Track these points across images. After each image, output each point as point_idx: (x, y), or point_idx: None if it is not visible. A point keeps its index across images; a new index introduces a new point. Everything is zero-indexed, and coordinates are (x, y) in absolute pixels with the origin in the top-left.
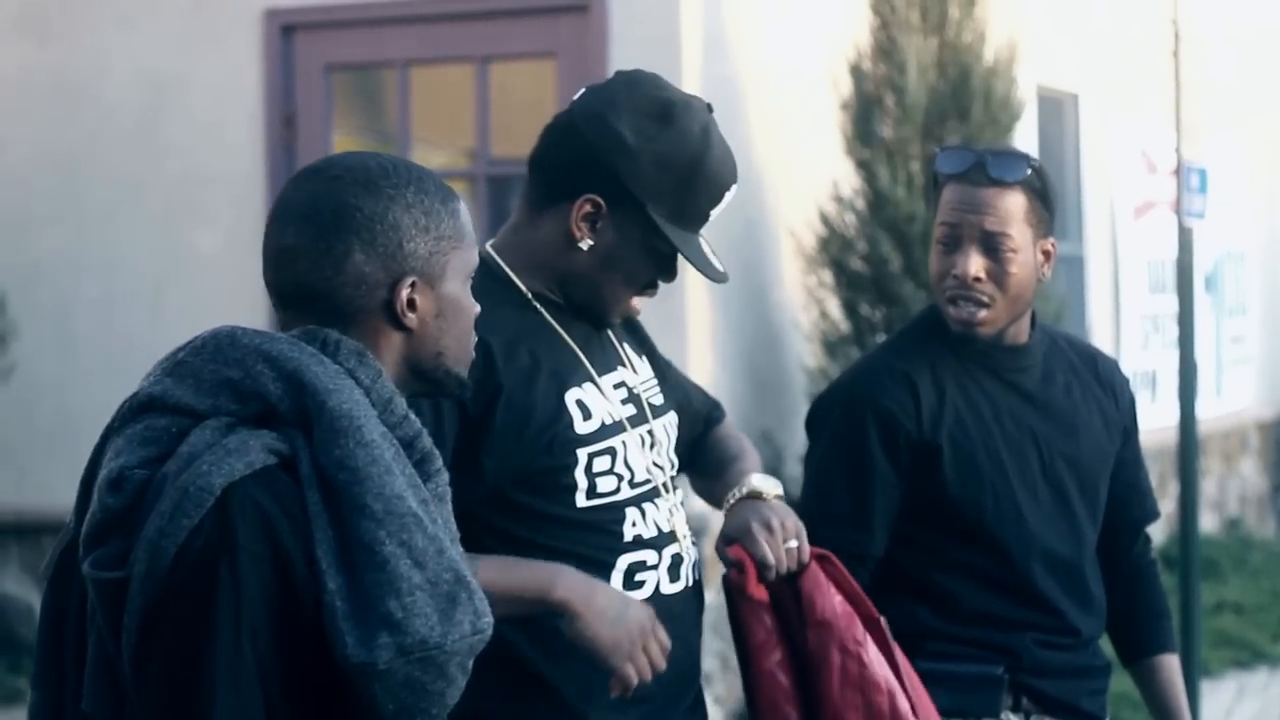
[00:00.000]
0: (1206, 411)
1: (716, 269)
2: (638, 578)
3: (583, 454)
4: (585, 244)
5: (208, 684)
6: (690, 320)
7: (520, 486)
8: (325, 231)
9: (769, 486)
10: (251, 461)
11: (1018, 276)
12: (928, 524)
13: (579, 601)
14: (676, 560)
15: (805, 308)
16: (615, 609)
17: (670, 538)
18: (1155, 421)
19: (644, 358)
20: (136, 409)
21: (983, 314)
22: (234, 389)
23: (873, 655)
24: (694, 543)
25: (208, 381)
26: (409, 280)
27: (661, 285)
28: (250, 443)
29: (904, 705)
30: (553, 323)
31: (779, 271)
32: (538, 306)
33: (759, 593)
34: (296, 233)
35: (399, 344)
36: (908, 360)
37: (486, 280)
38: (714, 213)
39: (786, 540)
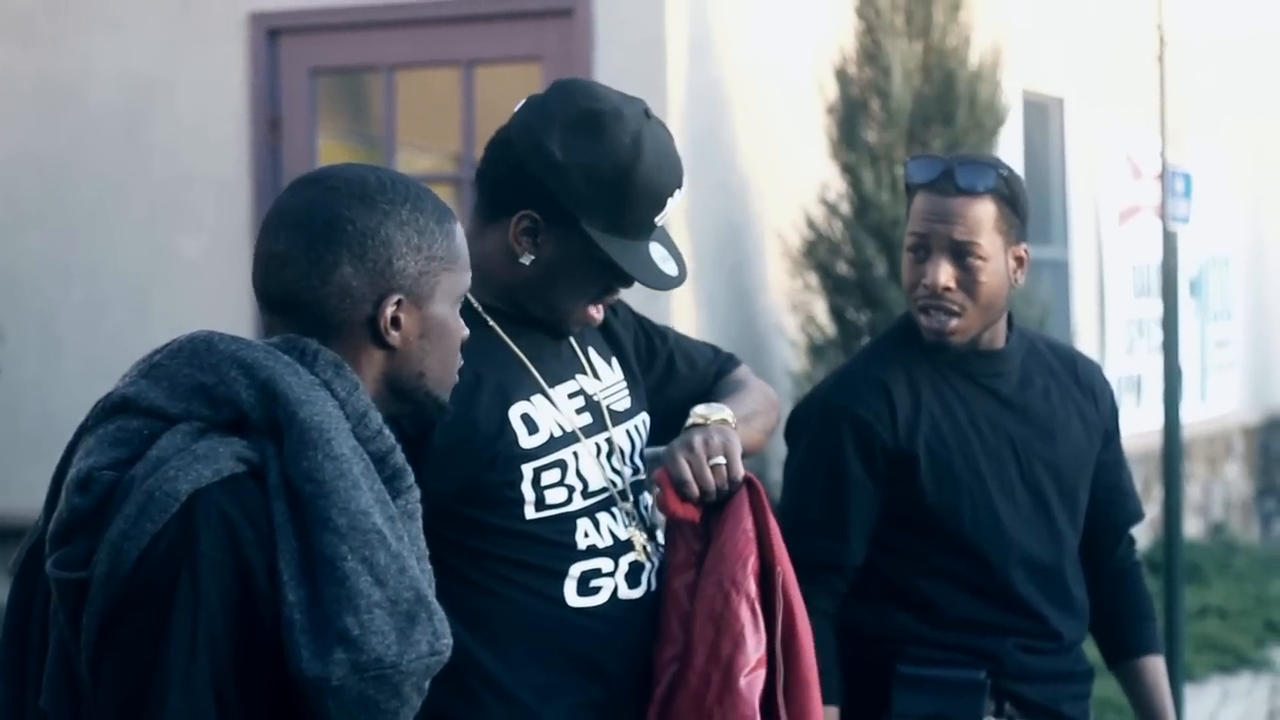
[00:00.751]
0: (1191, 416)
1: (665, 275)
2: (592, 584)
3: (528, 469)
4: (526, 258)
5: (160, 688)
6: (675, 324)
7: (465, 501)
8: (316, 241)
9: (711, 412)
10: (219, 469)
11: (988, 285)
12: (907, 531)
13: None
14: (636, 567)
15: (791, 312)
16: None
17: (627, 546)
18: (1140, 426)
19: (613, 360)
20: (110, 410)
21: (954, 323)
22: (207, 394)
23: (742, 600)
24: (660, 546)
25: (182, 386)
26: (395, 298)
27: (647, 289)
28: (219, 450)
29: (745, 659)
30: (503, 336)
31: (764, 275)
32: (487, 319)
33: (683, 511)
34: (288, 240)
35: (380, 361)
36: (883, 368)
37: None
38: (658, 219)
39: (712, 458)
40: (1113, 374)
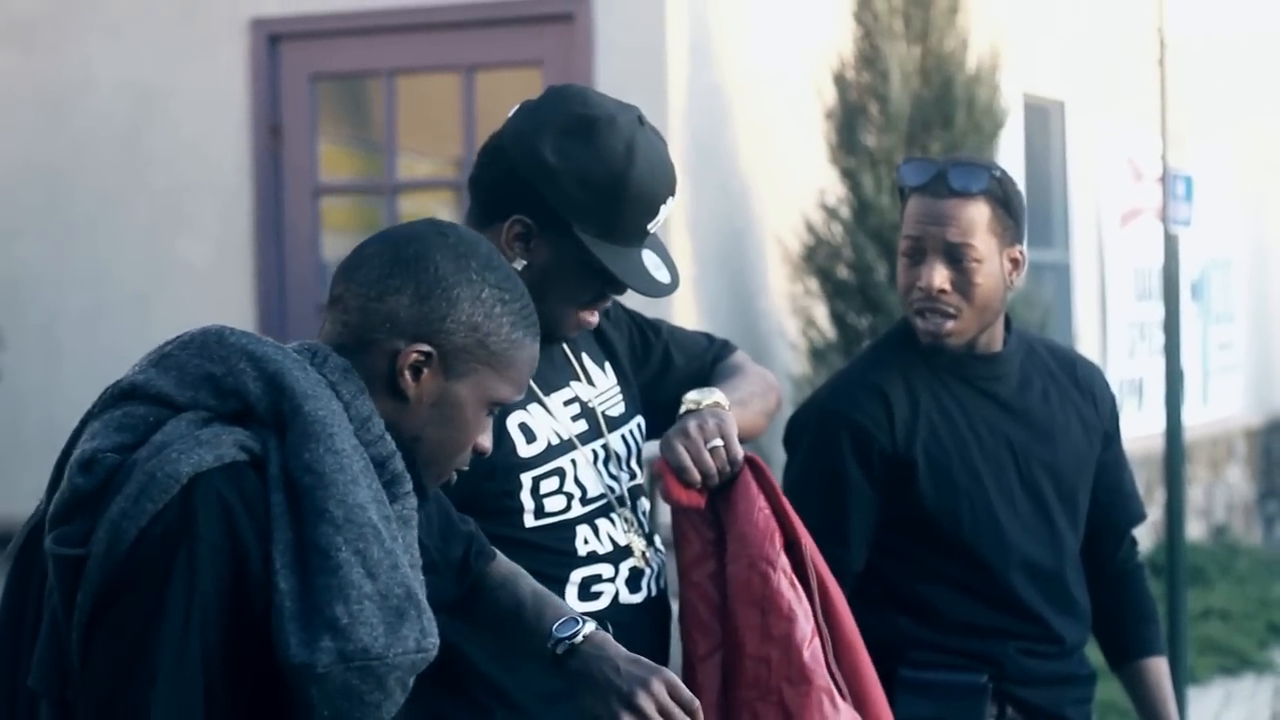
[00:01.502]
0: (1193, 419)
1: (657, 282)
2: (593, 589)
3: (526, 478)
4: (519, 264)
5: (150, 667)
6: None
7: (465, 510)
8: (397, 264)
9: (703, 397)
10: (221, 455)
11: (983, 287)
12: (906, 536)
13: None
14: (635, 573)
15: (792, 316)
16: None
17: (626, 552)
18: (1142, 429)
19: (605, 365)
20: (117, 396)
21: (950, 325)
22: (215, 384)
23: (781, 576)
24: (659, 550)
25: (190, 375)
26: (425, 347)
27: (649, 298)
28: (223, 437)
29: (802, 632)
30: None
31: (765, 280)
32: None
33: (687, 498)
34: (379, 252)
35: (386, 403)
36: (881, 373)
37: None
38: (651, 226)
39: (708, 441)
40: (1114, 377)
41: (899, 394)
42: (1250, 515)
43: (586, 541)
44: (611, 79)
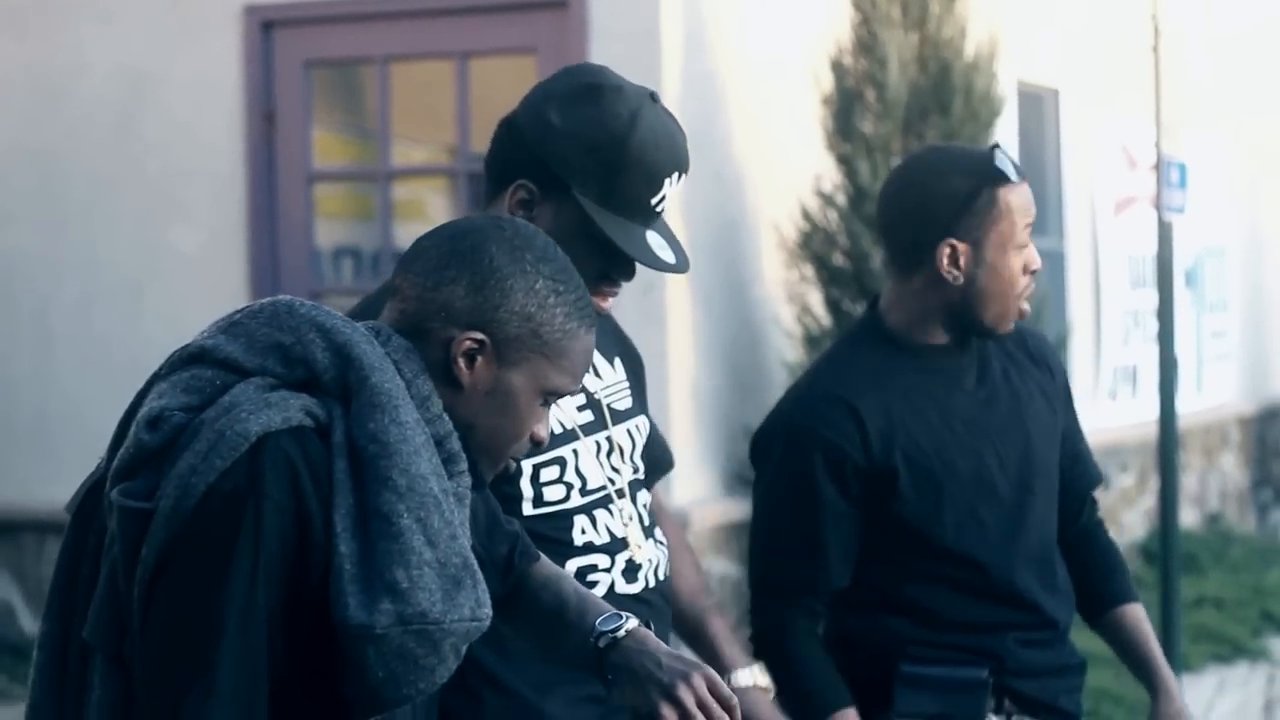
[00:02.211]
0: (1187, 406)
1: (661, 259)
2: (589, 579)
3: (527, 465)
4: None
5: (216, 623)
6: (670, 316)
7: None
8: (454, 255)
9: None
10: (289, 417)
11: None
12: (894, 542)
13: None
14: (632, 565)
15: (787, 303)
16: None
17: (623, 544)
18: (1136, 416)
19: (615, 359)
20: (186, 359)
21: None
22: (283, 353)
23: None
24: (659, 543)
25: (259, 343)
26: (479, 335)
27: (644, 281)
28: (290, 401)
29: None
30: None
31: (760, 267)
32: None
33: None
34: (436, 241)
35: (442, 392)
36: (847, 384)
37: None
38: (656, 203)
39: None
40: (1108, 365)
41: (870, 404)
42: (1244, 503)
43: (584, 532)
44: (605, 65)
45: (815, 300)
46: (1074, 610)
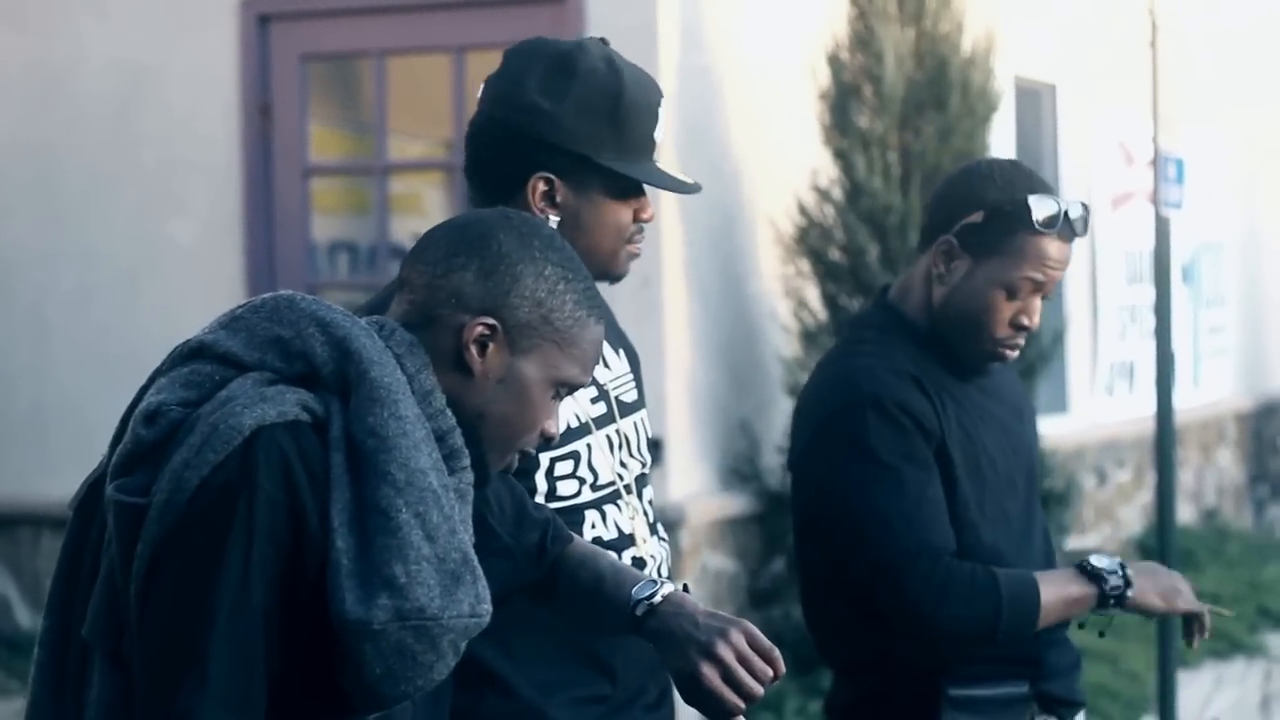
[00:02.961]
0: (1184, 402)
1: (686, 182)
2: None
3: (545, 458)
4: (554, 220)
5: (208, 616)
6: (667, 310)
7: None
8: (462, 243)
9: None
10: (284, 411)
11: None
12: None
13: None
14: (638, 563)
15: (783, 298)
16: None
17: (630, 540)
18: (1133, 412)
19: (620, 351)
20: (186, 354)
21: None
22: (282, 347)
23: None
24: (662, 539)
25: (259, 337)
26: (491, 320)
27: (641, 275)
28: (287, 395)
29: None
30: None
31: (756, 262)
32: None
33: None
34: (444, 231)
35: (450, 376)
36: (902, 363)
37: None
38: (657, 134)
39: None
40: (1105, 360)
41: (928, 384)
42: (1240, 499)
43: (594, 527)
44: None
45: (812, 295)
46: None
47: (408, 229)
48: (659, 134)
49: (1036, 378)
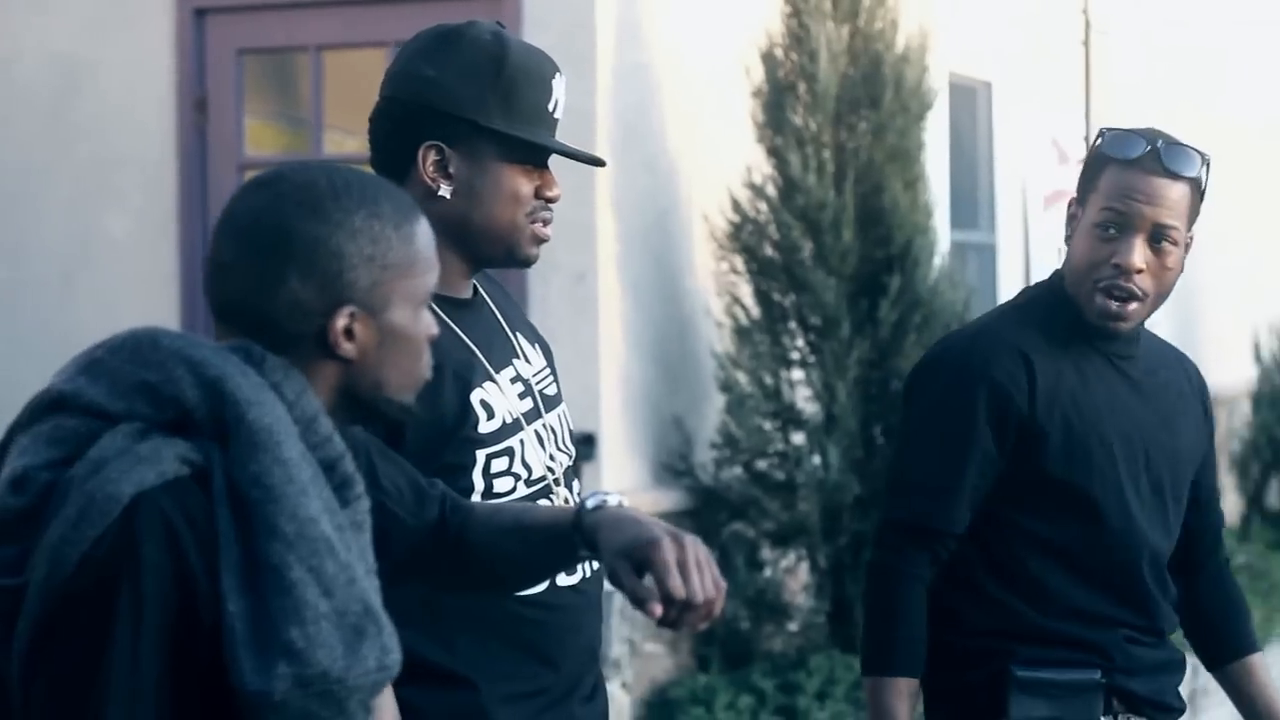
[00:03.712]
0: None
1: (583, 151)
2: None
3: (481, 455)
4: (446, 190)
5: (100, 698)
6: (601, 306)
7: None
8: (261, 254)
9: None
10: (164, 471)
11: (1173, 272)
12: (1029, 509)
13: None
14: None
15: (717, 294)
16: None
17: None
18: None
19: (536, 346)
20: (45, 407)
21: (1133, 307)
22: (151, 392)
23: None
24: None
25: (123, 383)
26: (347, 310)
27: (575, 272)
28: (163, 451)
29: None
30: (449, 321)
31: (691, 258)
32: (433, 307)
33: None
34: (234, 250)
35: (335, 373)
36: (1025, 334)
37: None
38: (552, 107)
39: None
40: None
41: (1043, 358)
42: None
43: None
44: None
45: (745, 292)
46: (1176, 626)
47: None
48: (558, 111)
49: None
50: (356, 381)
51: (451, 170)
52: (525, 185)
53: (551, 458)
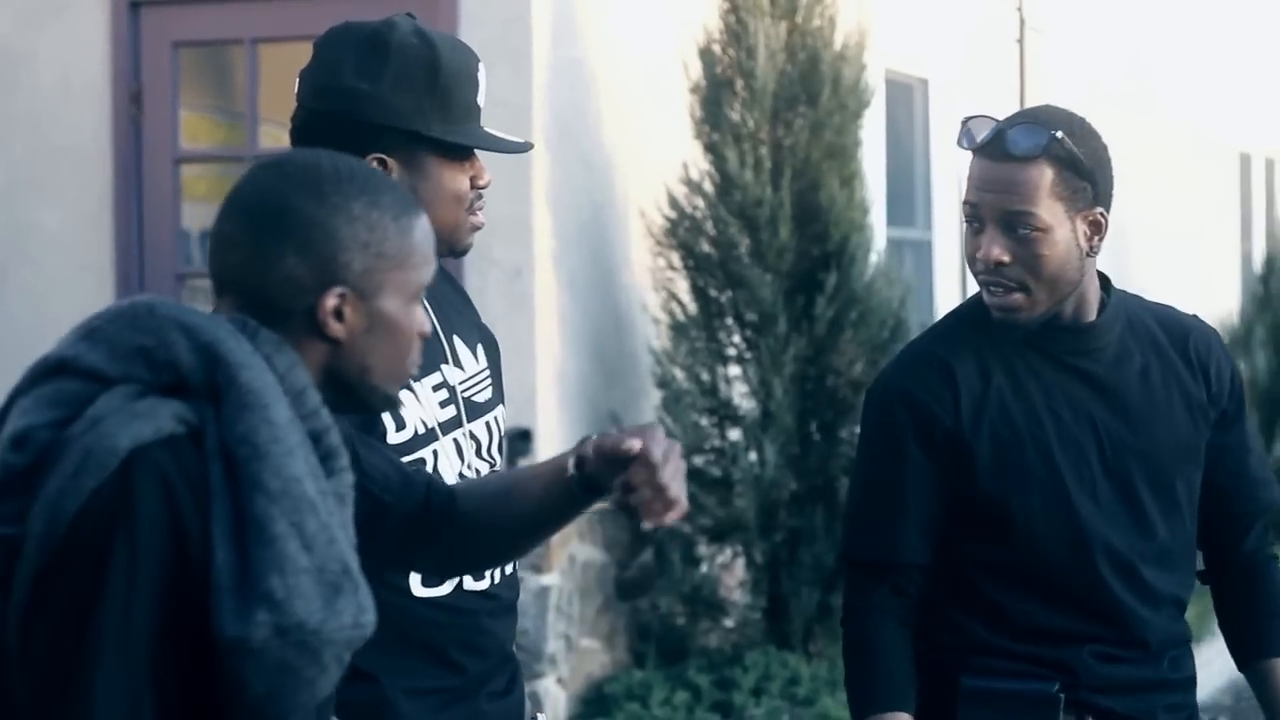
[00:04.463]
0: None
1: (514, 142)
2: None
3: None
4: None
5: (94, 647)
6: (538, 302)
7: None
8: (262, 229)
9: None
10: (160, 427)
11: (1051, 257)
12: (971, 529)
13: None
14: None
15: (653, 290)
16: None
17: None
18: None
19: (479, 348)
20: (47, 371)
21: (1017, 298)
22: (147, 357)
23: None
24: None
25: (122, 348)
26: (338, 290)
27: (511, 267)
28: (159, 409)
29: None
30: None
31: (627, 254)
32: None
33: None
34: (235, 224)
35: (322, 352)
36: (950, 346)
37: None
38: (481, 99)
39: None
40: None
41: (969, 369)
42: None
43: None
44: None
45: (682, 288)
46: (1185, 633)
47: None
48: (482, 99)
49: None
50: (343, 364)
51: (394, 179)
52: (463, 181)
53: (470, 466)
